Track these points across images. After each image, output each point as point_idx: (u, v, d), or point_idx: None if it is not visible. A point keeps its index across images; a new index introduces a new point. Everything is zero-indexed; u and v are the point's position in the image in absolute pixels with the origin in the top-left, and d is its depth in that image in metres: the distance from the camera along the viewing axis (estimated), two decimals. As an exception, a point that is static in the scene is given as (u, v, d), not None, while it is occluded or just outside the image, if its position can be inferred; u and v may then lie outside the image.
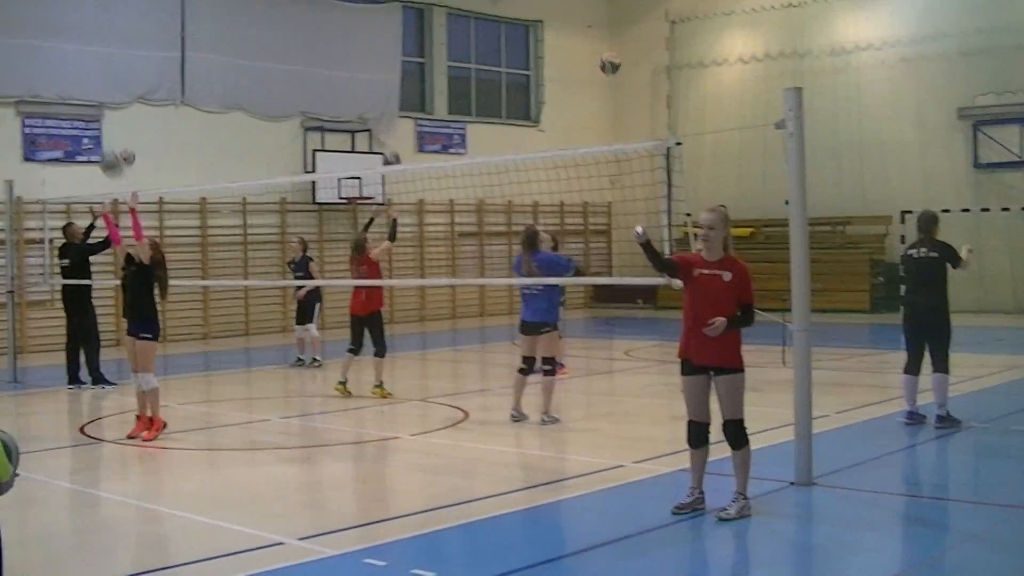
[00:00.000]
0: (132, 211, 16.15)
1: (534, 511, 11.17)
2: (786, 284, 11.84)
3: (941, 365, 14.84)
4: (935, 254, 14.89)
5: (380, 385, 18.80)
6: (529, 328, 16.06)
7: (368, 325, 19.20)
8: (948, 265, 14.93)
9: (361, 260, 19.26)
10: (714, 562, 9.72)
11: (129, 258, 15.98)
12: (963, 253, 15.08)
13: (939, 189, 34.40)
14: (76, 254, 21.12)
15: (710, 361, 10.46)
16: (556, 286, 16.28)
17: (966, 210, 33.34)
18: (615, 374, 22.38)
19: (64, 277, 21.30)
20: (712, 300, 10.39)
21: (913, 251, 15.13)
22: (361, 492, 12.70)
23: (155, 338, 15.69)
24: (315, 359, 23.33)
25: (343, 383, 19.10)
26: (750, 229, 36.78)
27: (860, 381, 20.23)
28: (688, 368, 10.60)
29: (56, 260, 22.05)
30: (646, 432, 15.55)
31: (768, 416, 14.42)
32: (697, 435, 10.64)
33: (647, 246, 10.47)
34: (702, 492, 10.64)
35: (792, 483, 11.45)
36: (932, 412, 14.88)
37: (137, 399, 15.68)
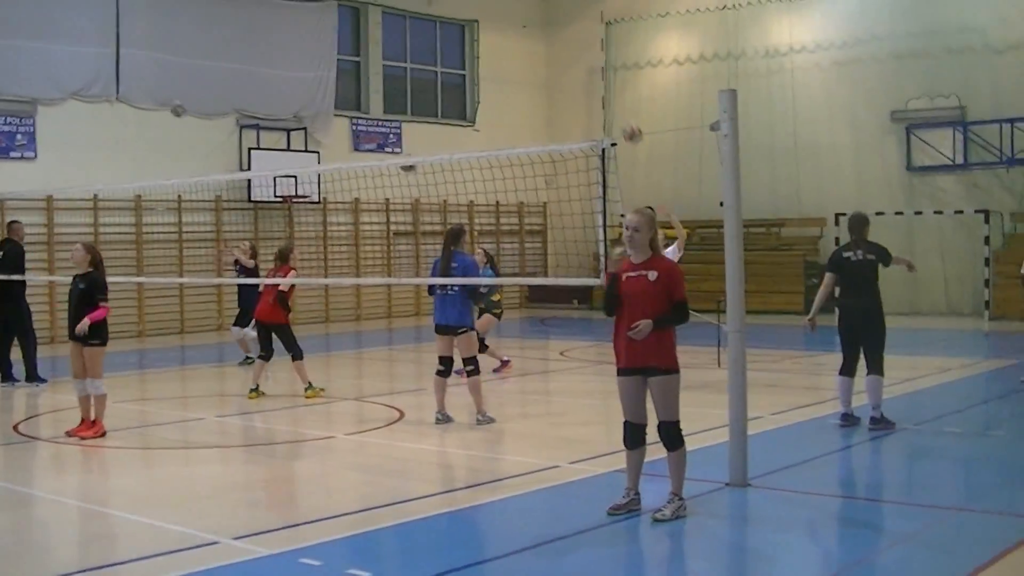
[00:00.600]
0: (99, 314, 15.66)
1: (469, 511, 11.17)
2: (721, 285, 11.91)
3: (876, 367, 14.92)
4: (871, 256, 14.99)
5: (310, 386, 18.74)
6: (444, 330, 16.03)
7: (275, 332, 19.07)
8: (880, 266, 15.06)
9: (282, 269, 19.22)
10: (648, 563, 9.75)
11: (75, 279, 15.82)
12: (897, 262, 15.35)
13: (872, 192, 34.75)
14: (11, 251, 20.92)
15: (643, 362, 10.44)
16: (472, 290, 16.21)
17: (899, 213, 33.73)
18: (550, 374, 22.43)
19: None
20: (639, 301, 10.38)
21: (849, 254, 15.17)
22: (296, 492, 12.68)
23: (103, 344, 15.66)
24: (248, 357, 23.40)
25: (255, 389, 18.85)
26: (685, 230, 36.84)
27: (794, 383, 20.34)
28: (623, 369, 10.62)
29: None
30: (581, 433, 15.57)
31: (703, 417, 14.48)
32: (633, 436, 10.65)
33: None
34: (638, 493, 10.67)
35: (727, 484, 11.50)
36: (867, 414, 14.98)
37: (80, 404, 15.56)
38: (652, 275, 10.40)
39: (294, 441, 15.59)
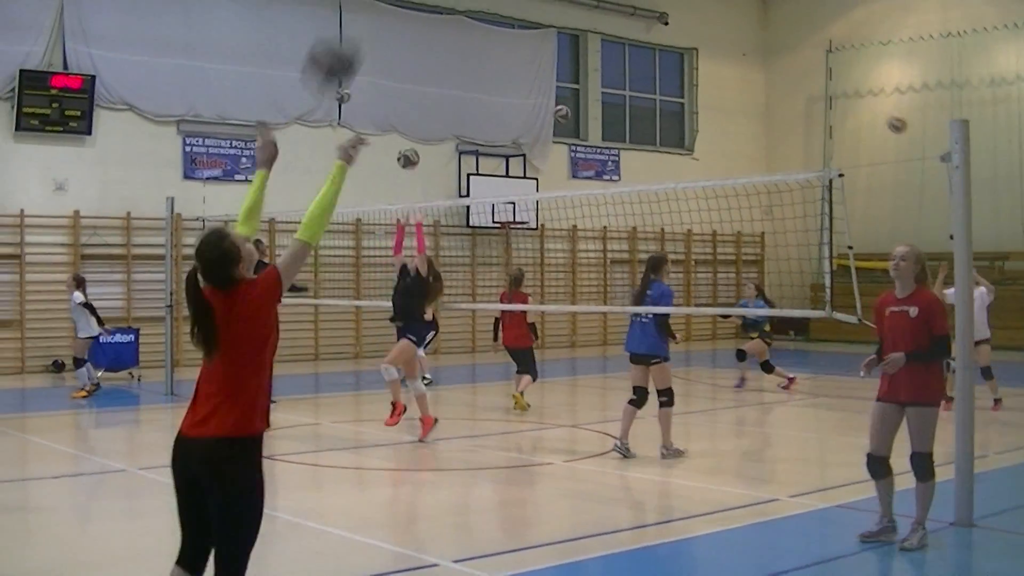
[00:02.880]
0: (418, 226, 17.26)
1: (688, 543, 11.06)
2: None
3: None
4: None
5: (522, 395, 20.03)
6: (637, 359, 15.75)
7: (520, 354, 20.43)
8: None
9: (515, 295, 19.91)
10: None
11: (403, 269, 17.24)
12: None
13: (1103, 226, 33.81)
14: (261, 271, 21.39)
15: (903, 397, 10.38)
16: (663, 321, 15.93)
17: None
18: (767, 406, 22.16)
19: None
20: (900, 337, 10.37)
21: None
22: (513, 516, 12.68)
23: (419, 343, 17.16)
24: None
25: (521, 394, 20.17)
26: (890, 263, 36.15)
27: (1017, 420, 19.79)
28: (882, 397, 10.56)
29: None
30: (800, 466, 15.41)
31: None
32: (875, 468, 10.59)
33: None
34: (892, 520, 10.61)
35: (952, 524, 11.21)
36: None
37: (418, 402, 17.10)
38: (913, 311, 10.38)
39: (510, 467, 15.62)
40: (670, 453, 15.51)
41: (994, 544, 10.87)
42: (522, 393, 20.05)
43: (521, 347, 20.26)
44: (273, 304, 6.88)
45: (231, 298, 6.76)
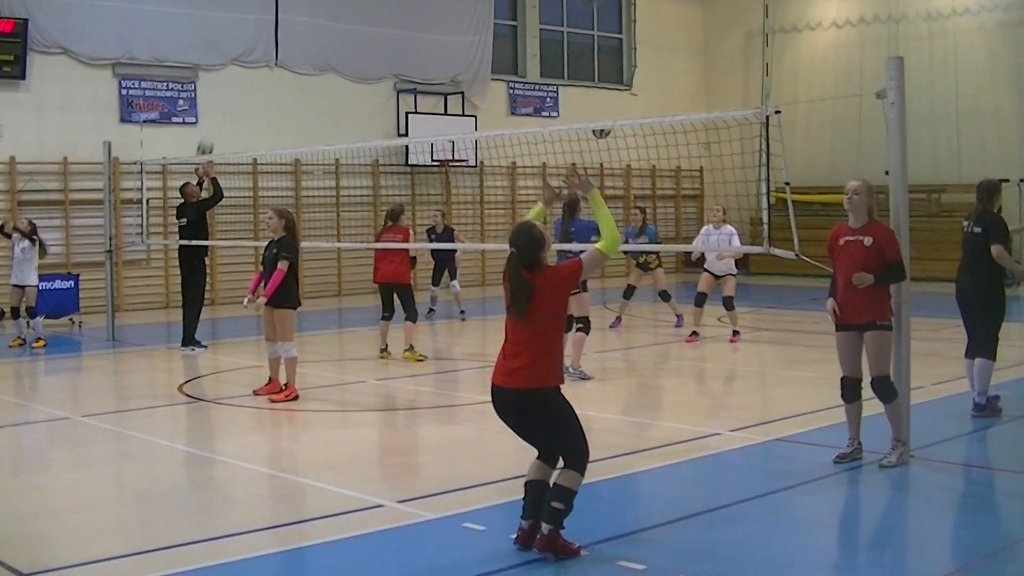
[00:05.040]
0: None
1: (634, 478, 11.17)
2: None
3: (984, 350, 13.85)
4: (978, 229, 13.99)
5: (411, 348, 19.25)
6: None
7: (397, 292, 19.43)
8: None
9: (396, 229, 19.33)
10: (798, 540, 9.59)
11: (271, 241, 16.02)
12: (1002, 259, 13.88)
13: (1039, 157, 33.98)
14: (193, 212, 21.18)
15: (860, 318, 11.06)
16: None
17: (1066, 180, 32.90)
18: (705, 341, 22.23)
19: (181, 236, 21.36)
20: (855, 265, 10.98)
21: (965, 224, 14.32)
22: (455, 456, 12.71)
23: (293, 308, 15.80)
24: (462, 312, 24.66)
25: (384, 349, 19.45)
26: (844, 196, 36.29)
27: (955, 352, 19.74)
28: (840, 325, 11.25)
29: (174, 220, 21.74)
30: (740, 400, 15.55)
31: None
32: (850, 390, 11.33)
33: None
34: (860, 443, 11.34)
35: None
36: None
37: (270, 365, 15.98)
38: (867, 240, 11.02)
39: (452, 405, 15.66)
40: (576, 373, 16.46)
41: (927, 475, 10.99)
42: (411, 347, 19.22)
43: (400, 283, 19.34)
44: (569, 288, 8.93)
45: (539, 279, 8.63)
